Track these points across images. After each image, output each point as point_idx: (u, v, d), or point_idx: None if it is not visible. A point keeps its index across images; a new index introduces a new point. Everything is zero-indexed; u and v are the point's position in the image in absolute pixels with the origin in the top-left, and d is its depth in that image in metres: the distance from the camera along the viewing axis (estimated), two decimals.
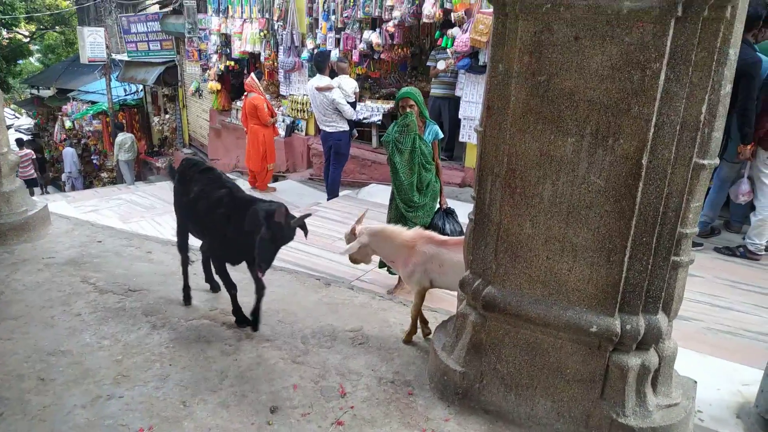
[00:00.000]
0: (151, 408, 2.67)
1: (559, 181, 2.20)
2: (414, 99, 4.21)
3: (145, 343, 3.24)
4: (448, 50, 7.18)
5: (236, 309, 3.44)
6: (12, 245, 4.55)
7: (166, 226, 6.83)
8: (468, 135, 7.40)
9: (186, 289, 3.72)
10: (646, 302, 2.25)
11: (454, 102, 7.63)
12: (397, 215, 4.40)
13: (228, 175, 11.07)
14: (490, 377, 2.56)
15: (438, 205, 4.50)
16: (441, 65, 7.46)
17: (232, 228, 3.18)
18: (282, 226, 2.97)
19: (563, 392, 2.40)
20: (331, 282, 4.12)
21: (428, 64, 8.05)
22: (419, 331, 3.31)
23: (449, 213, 4.51)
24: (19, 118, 28.05)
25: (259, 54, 10.25)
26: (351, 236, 3.35)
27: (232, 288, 3.42)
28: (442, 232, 4.20)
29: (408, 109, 4.21)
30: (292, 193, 8.51)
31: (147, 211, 8.11)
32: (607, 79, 2.01)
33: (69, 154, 15.33)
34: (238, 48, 10.58)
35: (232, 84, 11.69)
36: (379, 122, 8.73)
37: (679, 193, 2.08)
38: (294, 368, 2.99)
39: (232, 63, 11.01)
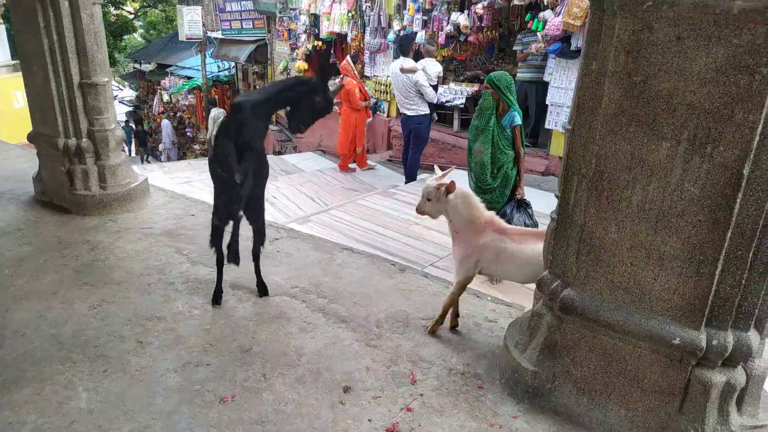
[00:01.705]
0: (234, 377, 2.87)
1: (649, 187, 2.11)
2: (492, 84, 4.33)
3: (231, 315, 3.45)
4: (538, 33, 6.96)
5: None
6: (116, 215, 4.96)
7: None
8: (555, 122, 7.17)
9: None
10: (737, 318, 2.14)
11: (542, 87, 7.40)
12: None
13: (311, 152, 11.31)
14: (562, 379, 2.54)
15: (511, 194, 4.44)
16: (531, 48, 7.23)
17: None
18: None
19: (639, 402, 2.34)
20: (406, 268, 4.19)
21: (514, 48, 7.83)
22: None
23: (523, 204, 4.42)
24: (122, 90, 30.07)
25: (346, 35, 10.38)
26: (433, 190, 3.11)
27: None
28: (510, 222, 4.13)
29: (485, 90, 4.40)
30: (371, 175, 8.64)
31: None
32: (710, 82, 1.90)
33: (166, 126, 16.31)
34: (326, 28, 10.75)
35: (319, 64, 11.92)
36: (462, 105, 8.63)
37: None
38: (367, 351, 3.10)
39: (320, 43, 11.21)
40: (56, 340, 3.15)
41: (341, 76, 7.99)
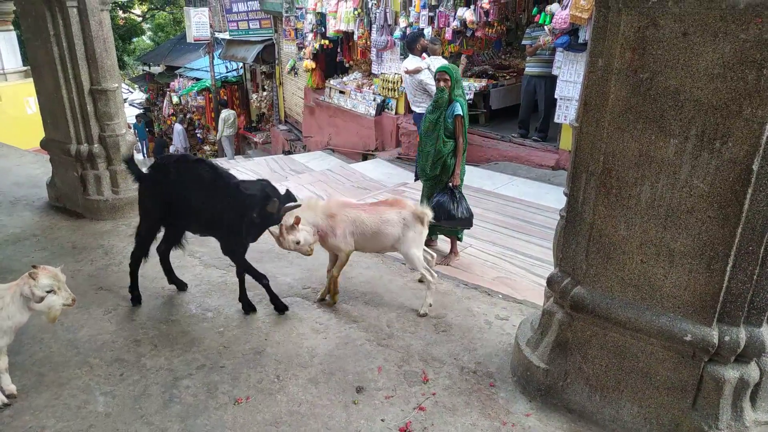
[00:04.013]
0: (248, 379, 2.90)
1: (658, 183, 2.11)
2: (450, 74, 4.47)
3: (244, 317, 3.49)
4: (545, 27, 6.92)
5: (272, 296, 3.52)
6: (129, 219, 5.02)
7: None
8: (564, 116, 7.13)
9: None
10: (749, 313, 2.13)
11: (551, 81, 7.36)
12: (423, 185, 4.87)
13: (320, 151, 11.35)
14: (574, 376, 2.54)
15: (448, 180, 4.64)
16: (540, 41, 7.19)
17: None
18: (272, 215, 3.22)
19: (651, 398, 2.34)
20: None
21: (523, 42, 7.79)
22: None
23: (452, 192, 4.61)
24: (132, 92, 30.28)
25: (353, 32, 10.37)
26: (293, 243, 3.31)
27: (263, 278, 3.48)
28: (435, 206, 4.36)
29: (442, 84, 4.49)
30: (380, 172, 8.65)
31: None
32: (717, 78, 1.88)
33: (178, 130, 16.41)
34: (332, 27, 10.75)
35: (326, 62, 11.93)
36: (470, 101, 8.60)
37: None
38: (379, 351, 3.12)
39: (327, 42, 11.21)
40: (73, 345, 3.20)
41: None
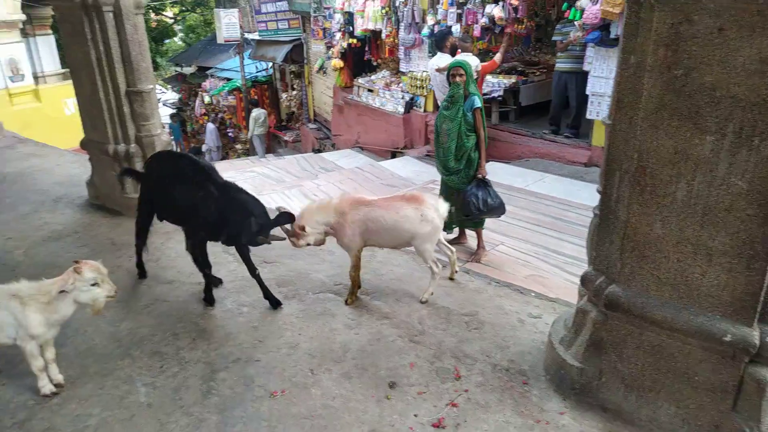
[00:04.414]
0: (283, 373, 2.96)
1: (694, 181, 2.08)
2: (464, 69, 4.50)
3: (277, 312, 3.56)
4: (575, 23, 6.83)
5: (208, 287, 3.67)
6: None
7: (294, 199, 7.30)
8: (596, 112, 7.04)
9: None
10: None
11: (582, 77, 7.27)
12: (442, 180, 4.89)
13: (349, 150, 11.42)
14: (609, 376, 2.52)
15: (474, 173, 4.69)
16: (571, 36, 7.10)
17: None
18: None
19: (689, 399, 2.32)
20: (447, 264, 4.21)
21: (553, 38, 7.71)
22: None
23: (483, 183, 4.68)
24: (165, 92, 30.90)
25: (381, 31, 10.40)
26: (297, 241, 3.42)
27: (206, 267, 3.63)
28: (466, 198, 4.55)
29: (457, 79, 4.52)
30: (409, 170, 8.67)
31: (277, 184, 8.70)
32: (755, 74, 1.86)
33: (210, 130, 16.70)
34: (360, 26, 10.80)
35: (354, 61, 11.99)
36: (500, 98, 8.55)
37: None
38: (411, 347, 3.15)
39: (355, 41, 11.27)
40: (114, 338, 3.32)
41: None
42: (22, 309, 2.60)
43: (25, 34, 14.30)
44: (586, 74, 7.09)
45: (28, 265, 4.25)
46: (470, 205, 4.52)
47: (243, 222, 3.33)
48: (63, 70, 15.02)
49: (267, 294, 3.60)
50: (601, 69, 6.82)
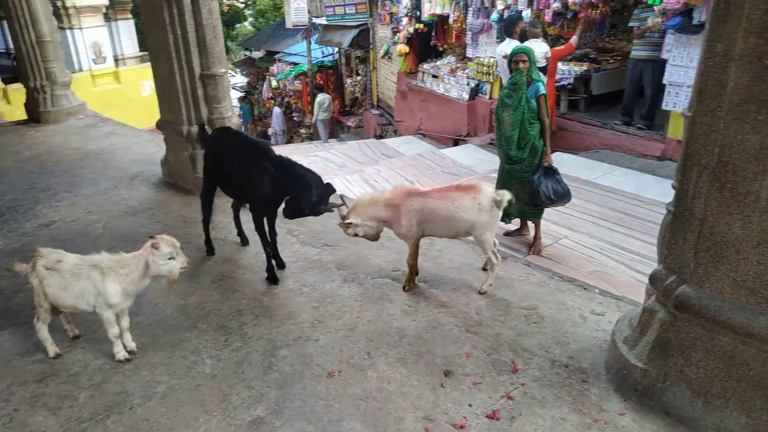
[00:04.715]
0: (340, 353, 3.03)
1: None
2: (528, 56, 4.40)
3: (337, 294, 3.63)
4: (655, 8, 6.48)
5: (270, 266, 3.81)
6: None
7: (355, 185, 7.39)
8: (673, 103, 6.69)
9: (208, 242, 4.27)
10: None
11: (659, 65, 6.91)
12: (502, 168, 4.76)
13: (411, 136, 11.42)
14: (675, 379, 2.43)
15: (539, 162, 4.59)
16: (650, 19, 6.75)
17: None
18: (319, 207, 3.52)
19: (763, 409, 2.20)
20: (507, 256, 4.15)
21: (631, 24, 7.35)
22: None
23: (550, 171, 4.56)
24: (234, 76, 31.82)
25: (448, 16, 10.26)
26: (345, 228, 3.49)
27: (267, 245, 3.78)
28: (535, 188, 4.46)
29: (520, 66, 4.40)
30: (471, 158, 8.56)
31: (339, 169, 8.81)
32: None
33: (277, 114, 17.10)
34: (427, 10, 10.69)
35: (420, 47, 11.91)
36: (570, 86, 8.27)
37: None
38: (468, 337, 3.13)
39: (421, 26, 11.17)
40: (183, 310, 3.49)
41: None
42: (102, 279, 2.79)
43: (107, 18, 15.09)
44: (663, 62, 6.74)
45: (107, 238, 4.52)
46: (540, 195, 4.45)
47: (304, 193, 3.45)
48: (141, 53, 15.77)
49: (271, 266, 3.80)
50: (680, 57, 6.46)
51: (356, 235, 3.50)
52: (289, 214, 3.64)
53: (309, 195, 3.45)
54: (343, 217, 3.48)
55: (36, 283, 2.86)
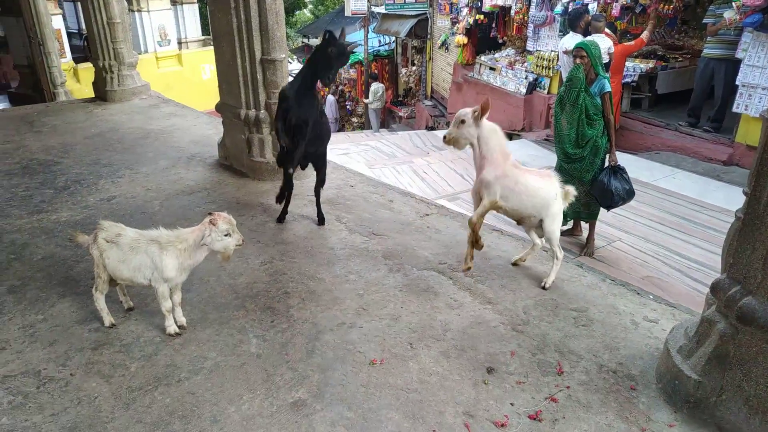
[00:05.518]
0: (383, 342, 3.03)
1: None
2: (588, 51, 4.25)
3: (383, 283, 3.63)
4: (733, 4, 6.14)
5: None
6: None
7: (404, 175, 7.37)
8: (745, 105, 6.35)
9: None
10: None
11: (733, 65, 6.57)
12: (559, 166, 4.63)
13: None
14: (731, 394, 2.31)
15: (603, 162, 4.45)
16: (727, 15, 6.39)
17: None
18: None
19: None
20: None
21: (705, 20, 6.99)
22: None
23: (617, 170, 4.42)
24: (291, 63, 32.26)
25: (510, 7, 10.06)
26: (469, 112, 3.45)
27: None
28: (607, 188, 4.33)
29: (578, 61, 4.29)
30: (525, 153, 8.38)
31: (389, 159, 8.82)
32: None
33: (330, 101, 17.25)
34: (489, 1, 10.50)
35: (479, 38, 11.73)
36: (634, 84, 7.97)
37: None
38: (513, 335, 3.08)
39: (482, 17, 10.99)
40: (233, 290, 3.57)
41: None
42: (160, 254, 2.88)
43: (173, 2, 15.57)
44: (737, 62, 6.40)
45: (164, 215, 4.68)
46: (614, 196, 4.35)
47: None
48: (203, 37, 16.21)
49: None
50: (757, 57, 6.12)
51: (451, 139, 3.48)
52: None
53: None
54: (462, 121, 3.45)
55: (96, 255, 2.98)
